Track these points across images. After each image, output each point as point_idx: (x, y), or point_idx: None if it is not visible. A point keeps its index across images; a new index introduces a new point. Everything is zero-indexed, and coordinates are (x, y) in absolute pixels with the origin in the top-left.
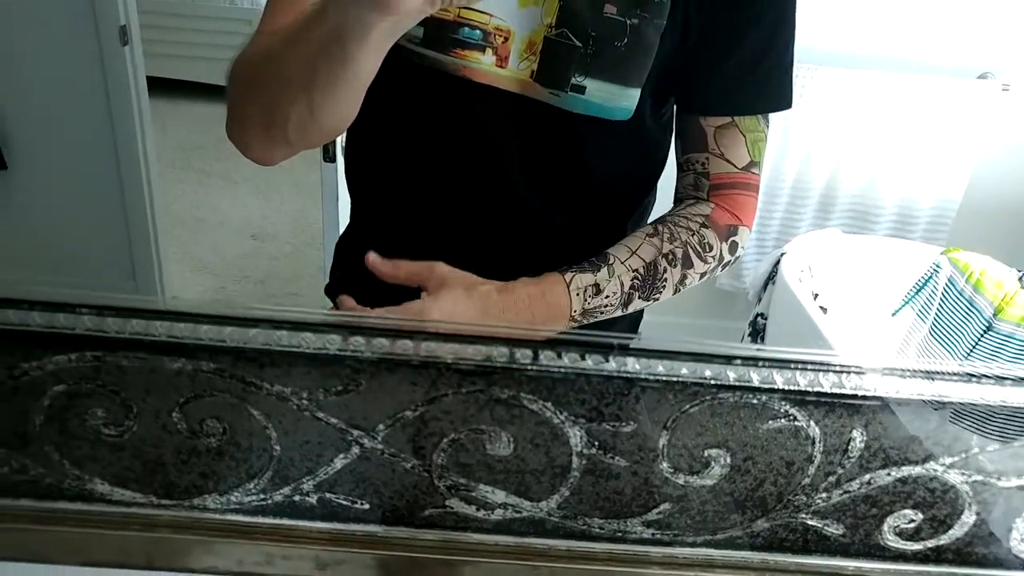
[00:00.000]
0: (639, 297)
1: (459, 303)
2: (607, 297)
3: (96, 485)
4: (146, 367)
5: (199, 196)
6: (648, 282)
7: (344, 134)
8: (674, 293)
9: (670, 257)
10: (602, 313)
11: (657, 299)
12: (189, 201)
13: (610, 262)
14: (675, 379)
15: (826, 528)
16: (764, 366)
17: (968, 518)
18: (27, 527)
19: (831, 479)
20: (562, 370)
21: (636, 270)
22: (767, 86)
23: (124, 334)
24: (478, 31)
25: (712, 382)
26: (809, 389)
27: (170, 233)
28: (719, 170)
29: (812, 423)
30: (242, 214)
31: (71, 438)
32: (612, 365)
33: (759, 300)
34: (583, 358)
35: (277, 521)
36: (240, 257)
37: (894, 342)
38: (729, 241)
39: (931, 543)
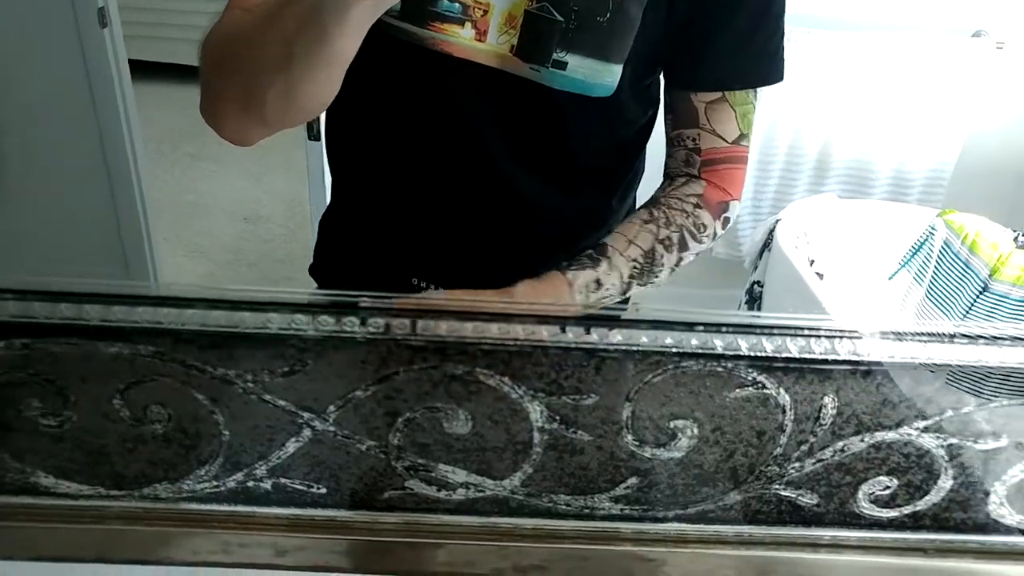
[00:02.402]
0: (637, 283)
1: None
2: (607, 289)
3: (40, 478)
4: (80, 353)
5: (188, 180)
6: (646, 269)
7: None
8: (670, 276)
9: (667, 243)
10: (602, 303)
11: (654, 283)
12: (178, 185)
13: (609, 255)
14: (635, 348)
15: (800, 498)
16: (727, 332)
17: (944, 483)
18: None
19: (803, 448)
20: (518, 343)
21: (635, 259)
22: (758, 60)
23: (53, 319)
24: (457, 4)
25: (674, 350)
26: (776, 355)
27: (160, 218)
28: (710, 145)
29: (782, 390)
30: (232, 197)
31: (8, 430)
32: (569, 336)
33: (755, 268)
34: (539, 330)
35: (232, 508)
36: (232, 240)
37: (890, 305)
38: (722, 218)
39: (907, 509)
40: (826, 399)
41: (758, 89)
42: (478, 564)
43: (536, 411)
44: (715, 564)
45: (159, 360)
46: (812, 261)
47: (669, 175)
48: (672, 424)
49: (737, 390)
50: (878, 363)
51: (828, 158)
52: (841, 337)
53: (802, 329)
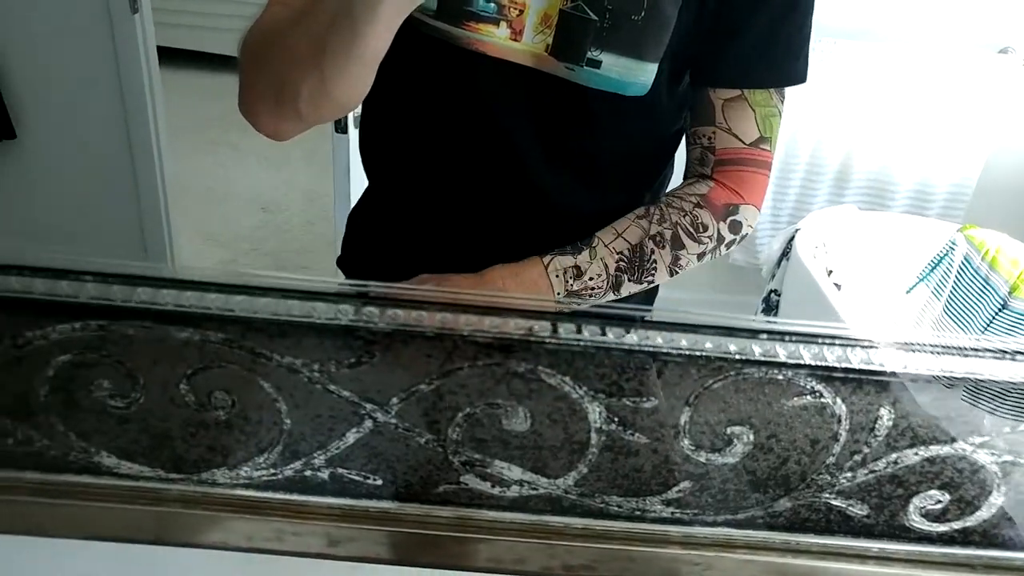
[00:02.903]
0: (629, 280)
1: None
2: (591, 279)
3: (103, 458)
4: (152, 337)
5: (210, 167)
6: (635, 264)
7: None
8: (671, 275)
9: (658, 239)
10: (590, 295)
11: (651, 282)
12: (200, 172)
13: (593, 244)
14: (699, 353)
15: (850, 508)
16: (791, 341)
17: (996, 499)
18: (31, 499)
19: (856, 458)
20: (582, 343)
21: (621, 252)
22: (780, 60)
23: (130, 302)
24: (492, 3)
25: (737, 356)
26: (837, 365)
27: (180, 204)
28: (725, 145)
29: (839, 400)
30: (253, 186)
31: (77, 409)
32: (634, 338)
33: (773, 276)
34: (604, 332)
35: (288, 496)
36: (251, 229)
37: (908, 319)
38: (728, 220)
39: (957, 524)
40: (882, 411)
41: (783, 92)
42: (527, 562)
43: (595, 412)
44: (760, 570)
45: (227, 347)
46: (830, 272)
47: (686, 174)
48: (729, 430)
49: (795, 398)
50: (937, 378)
51: (849, 169)
52: (901, 348)
53: (861, 341)
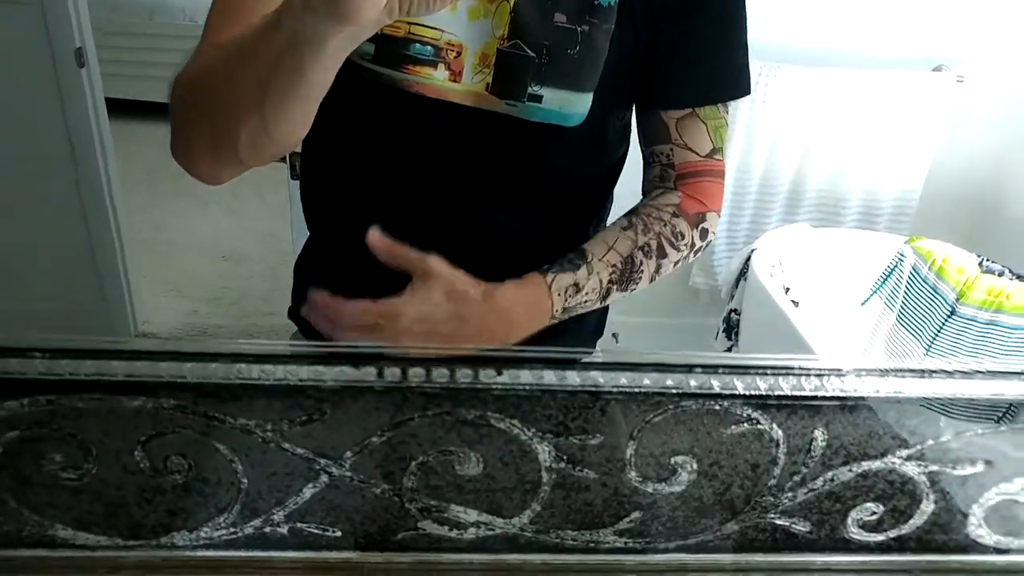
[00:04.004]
0: (617, 289)
1: (437, 307)
2: (587, 294)
3: (57, 531)
4: (104, 408)
5: (167, 217)
6: (626, 275)
7: (299, 151)
8: (650, 282)
9: (646, 249)
10: (582, 308)
11: (634, 289)
12: (157, 223)
13: (588, 259)
14: (638, 390)
15: (793, 526)
16: (724, 373)
17: (927, 507)
18: None
19: (796, 478)
20: (527, 387)
21: (614, 265)
22: (724, 74)
23: (79, 376)
24: (429, 47)
25: (674, 391)
26: (770, 393)
27: (139, 256)
28: (684, 160)
29: (775, 425)
30: (212, 234)
31: (28, 484)
32: (576, 379)
33: (732, 297)
34: (545, 374)
35: (249, 554)
36: (213, 278)
37: (863, 331)
38: (699, 228)
39: (893, 533)
40: (816, 432)
41: (727, 104)
42: None
43: (545, 451)
44: None
45: (181, 412)
46: (787, 289)
47: (645, 191)
48: (673, 460)
49: (733, 426)
50: (862, 399)
51: (801, 188)
52: (829, 375)
53: (793, 368)
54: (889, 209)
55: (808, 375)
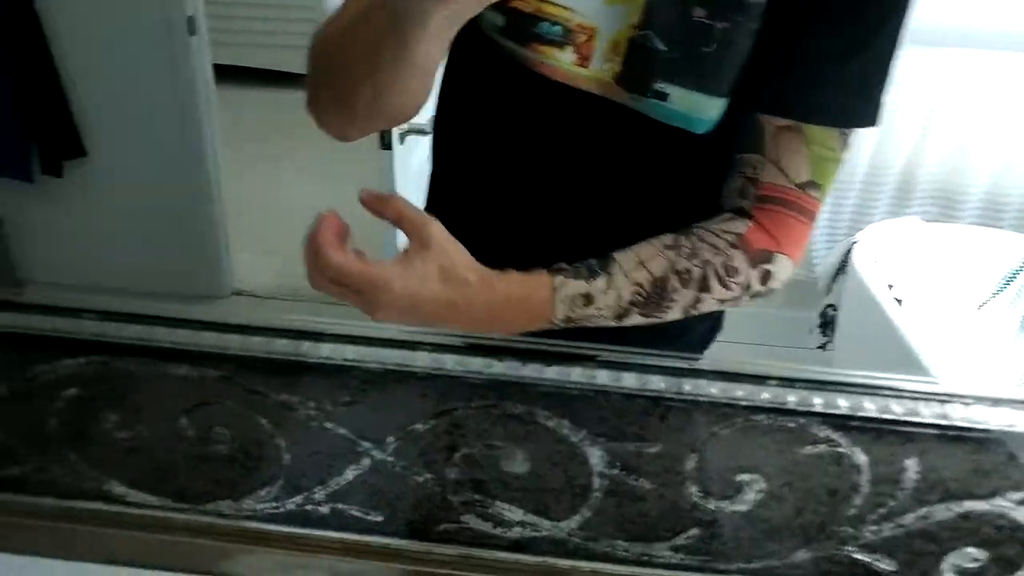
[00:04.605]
0: (639, 313)
1: (428, 282)
2: (599, 308)
3: (113, 487)
4: (152, 373)
5: (266, 182)
6: (653, 299)
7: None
8: (684, 315)
9: (684, 276)
10: (591, 322)
11: (660, 318)
12: (257, 187)
13: (611, 270)
14: (703, 399)
15: (876, 563)
16: (801, 387)
17: None
18: (50, 524)
19: (881, 511)
20: (578, 386)
21: (640, 284)
22: (846, 97)
23: (126, 339)
24: (559, 27)
25: (744, 403)
26: (852, 413)
27: (238, 218)
28: (770, 179)
29: (857, 449)
30: (308, 200)
31: (87, 440)
32: (633, 382)
33: (829, 290)
34: (597, 375)
35: (290, 529)
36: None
37: (978, 337)
38: (760, 268)
39: None
40: (907, 462)
41: (847, 139)
42: None
43: (596, 456)
44: None
45: (224, 384)
46: (891, 286)
47: (722, 205)
48: (738, 477)
49: (808, 447)
50: (969, 429)
51: (913, 178)
52: (928, 399)
53: (880, 388)
54: (1017, 205)
55: (900, 397)
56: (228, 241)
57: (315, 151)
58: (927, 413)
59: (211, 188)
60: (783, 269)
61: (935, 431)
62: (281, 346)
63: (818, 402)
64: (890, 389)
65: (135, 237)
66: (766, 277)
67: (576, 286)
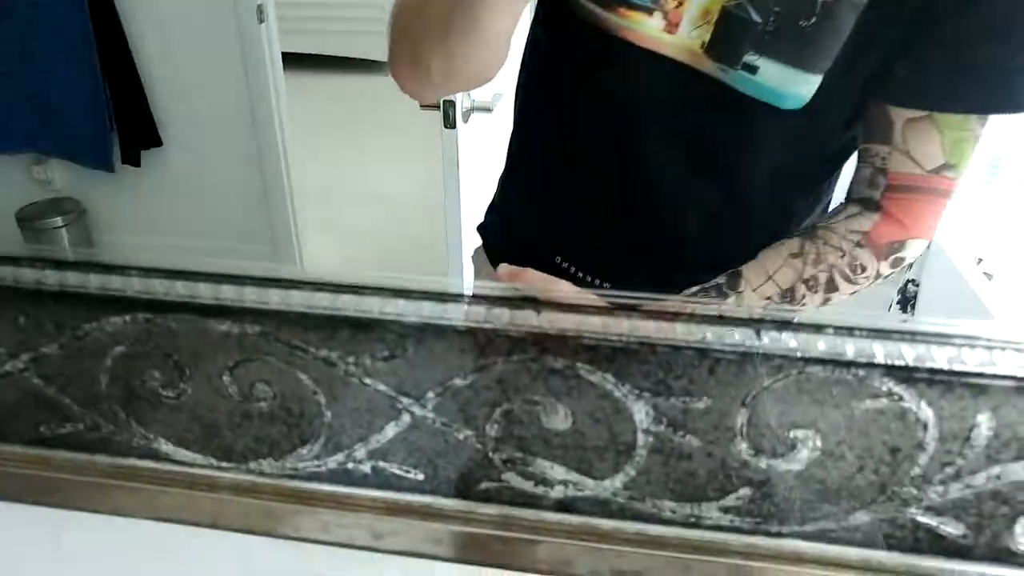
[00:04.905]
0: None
1: None
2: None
3: (161, 445)
4: (195, 329)
5: (335, 166)
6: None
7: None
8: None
9: (811, 283)
10: None
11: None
12: (325, 172)
13: (740, 288)
14: (755, 349)
15: (942, 526)
16: (860, 336)
17: None
18: (103, 481)
19: (948, 471)
20: (622, 337)
21: (769, 298)
22: (982, 82)
23: (171, 296)
24: None
25: (798, 354)
26: (918, 365)
27: (306, 201)
28: (901, 169)
29: (923, 404)
30: (374, 183)
31: (135, 398)
32: (678, 333)
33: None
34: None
35: (332, 488)
36: (371, 223)
37: None
38: (891, 259)
39: None
40: (979, 417)
41: (985, 116)
42: (574, 564)
43: (641, 412)
44: None
45: (264, 339)
46: (980, 260)
47: (849, 195)
48: (792, 434)
49: (868, 401)
50: None
51: (1003, 147)
52: (1004, 348)
53: (951, 337)
54: None
55: (973, 346)
56: (298, 226)
57: (381, 134)
58: (1004, 364)
59: (281, 174)
60: (914, 251)
61: (1012, 383)
62: (320, 300)
63: (880, 352)
64: (963, 337)
65: (208, 224)
66: (897, 262)
67: (707, 311)
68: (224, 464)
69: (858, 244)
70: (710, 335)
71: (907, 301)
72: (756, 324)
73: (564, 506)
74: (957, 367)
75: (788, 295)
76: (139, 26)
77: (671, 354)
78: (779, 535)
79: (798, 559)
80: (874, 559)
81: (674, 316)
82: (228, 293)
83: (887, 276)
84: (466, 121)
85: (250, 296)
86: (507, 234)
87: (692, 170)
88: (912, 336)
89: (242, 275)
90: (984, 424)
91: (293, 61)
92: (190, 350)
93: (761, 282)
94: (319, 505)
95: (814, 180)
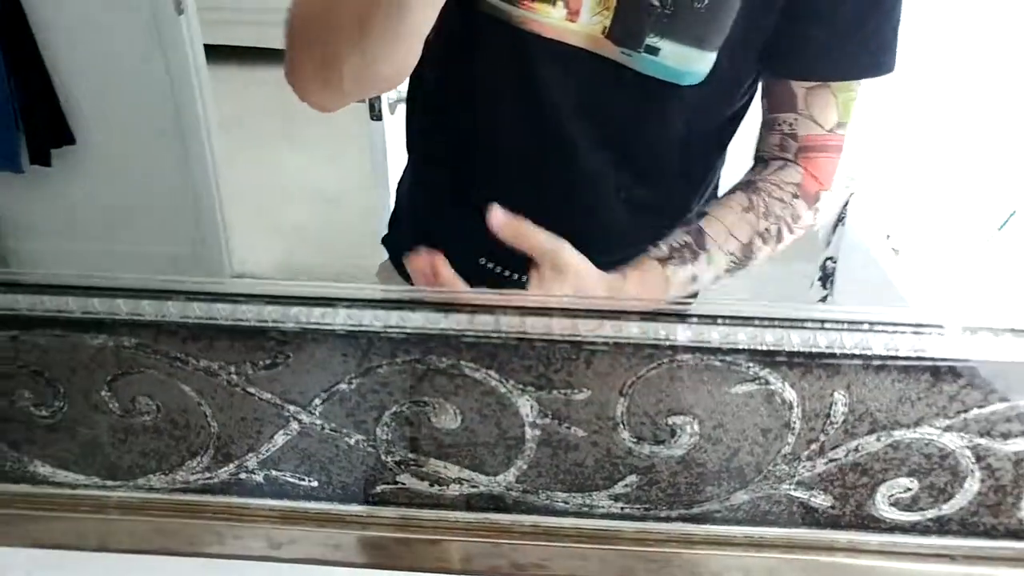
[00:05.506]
0: (727, 276)
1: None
2: (698, 284)
3: (37, 467)
4: (67, 345)
5: (261, 161)
6: (741, 264)
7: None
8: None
9: (766, 235)
10: (692, 297)
11: (735, 274)
12: (251, 165)
13: (708, 248)
14: (625, 340)
15: (812, 499)
16: (724, 324)
17: (971, 485)
18: None
19: (814, 447)
20: (501, 335)
21: (733, 253)
22: (867, 50)
23: (36, 311)
24: None
25: (667, 343)
26: (778, 348)
27: (234, 198)
28: (807, 132)
29: (787, 386)
30: (303, 176)
31: (4, 420)
32: (554, 328)
33: (828, 243)
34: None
35: (226, 499)
36: (305, 220)
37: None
38: (815, 208)
39: (931, 513)
40: (836, 395)
41: None
42: (475, 561)
43: (526, 406)
44: (722, 566)
45: (142, 352)
46: (888, 236)
47: (762, 158)
48: (671, 420)
49: (738, 385)
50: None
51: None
52: (850, 330)
53: (803, 321)
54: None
55: (823, 329)
56: (226, 223)
57: (308, 127)
58: (849, 343)
59: (206, 170)
60: (828, 202)
61: (859, 361)
62: (196, 310)
63: (743, 338)
64: (812, 321)
65: (130, 224)
66: (817, 213)
67: (684, 271)
68: (110, 483)
69: (795, 196)
70: (581, 328)
71: (827, 277)
72: (624, 316)
73: (461, 504)
74: (810, 348)
75: (747, 249)
76: (46, 16)
77: (548, 347)
78: (668, 519)
79: (687, 541)
80: (756, 535)
81: (546, 311)
82: (99, 306)
83: (809, 226)
84: (392, 113)
85: (124, 308)
86: (423, 242)
87: (610, 151)
88: (769, 322)
89: (113, 287)
90: (840, 401)
91: (216, 53)
92: (64, 366)
93: (724, 239)
94: (213, 518)
95: (719, 142)
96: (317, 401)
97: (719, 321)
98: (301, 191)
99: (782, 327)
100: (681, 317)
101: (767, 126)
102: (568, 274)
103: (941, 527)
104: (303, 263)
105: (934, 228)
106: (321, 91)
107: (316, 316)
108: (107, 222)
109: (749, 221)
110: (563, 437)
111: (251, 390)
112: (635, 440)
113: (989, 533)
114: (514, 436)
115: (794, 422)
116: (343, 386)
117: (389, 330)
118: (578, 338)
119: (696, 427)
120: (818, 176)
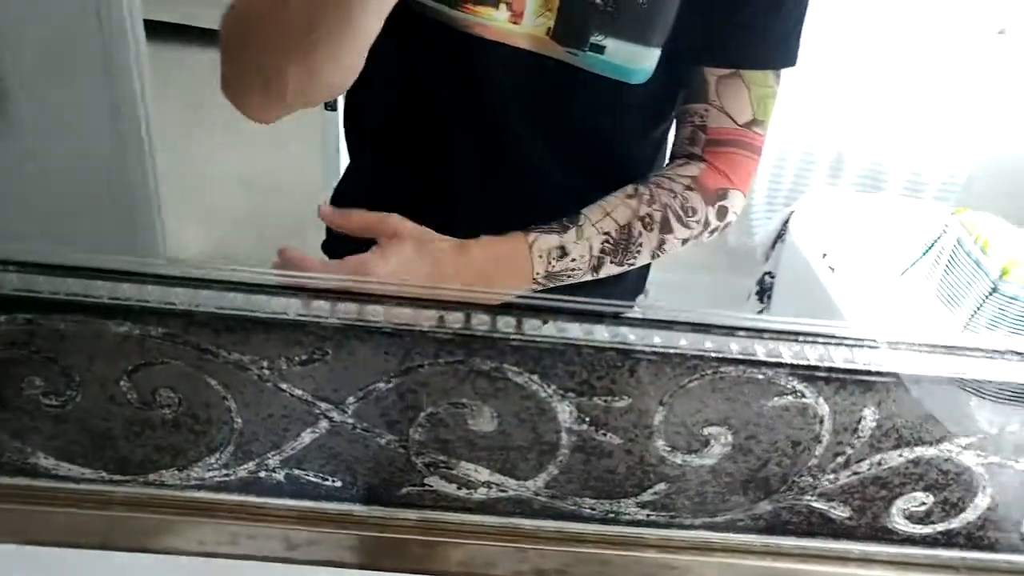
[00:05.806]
0: (611, 262)
1: (409, 261)
2: (573, 260)
3: (39, 459)
4: (87, 332)
5: (200, 146)
6: (621, 246)
7: None
8: (652, 259)
9: (646, 221)
10: (569, 276)
11: (632, 264)
12: (190, 151)
13: (580, 223)
14: (673, 351)
15: (832, 510)
16: (770, 338)
17: (982, 501)
18: None
19: (839, 459)
20: (549, 340)
21: (608, 233)
22: (775, 40)
23: (59, 295)
24: None
25: (713, 355)
26: (819, 364)
27: (171, 185)
28: (718, 124)
29: (821, 400)
30: (245, 165)
31: (8, 408)
32: (604, 335)
33: (767, 258)
34: (571, 327)
35: (242, 498)
36: (243, 209)
37: (901, 302)
38: (717, 206)
39: (941, 527)
40: (866, 411)
41: (779, 73)
42: (497, 566)
43: (565, 411)
44: (740, 574)
45: (170, 342)
46: (825, 254)
47: (673, 154)
48: (706, 431)
49: (776, 398)
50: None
51: (846, 151)
52: (891, 348)
53: (846, 339)
54: (938, 178)
55: (862, 347)
56: (160, 207)
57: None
58: (885, 362)
59: (142, 150)
60: (737, 203)
61: (892, 379)
62: (232, 300)
63: (787, 353)
64: (856, 339)
65: (57, 202)
66: (722, 212)
67: (549, 240)
68: (117, 477)
69: (688, 187)
70: (632, 336)
71: (764, 291)
72: (675, 326)
73: (486, 508)
74: (850, 365)
75: (625, 231)
76: None
77: (594, 355)
78: (691, 527)
79: (708, 548)
80: (773, 544)
81: (598, 317)
82: (129, 292)
83: (714, 228)
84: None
85: (154, 295)
86: (362, 248)
87: (559, 149)
88: (813, 338)
89: (144, 272)
90: (869, 416)
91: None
92: (81, 353)
93: (599, 218)
94: (227, 517)
95: (656, 144)
96: (351, 399)
97: (765, 335)
98: (243, 180)
99: (826, 344)
100: (730, 330)
101: (680, 120)
102: (403, 235)
103: (949, 540)
104: (238, 251)
105: (866, 252)
106: (261, 100)
107: (359, 312)
108: (35, 199)
109: (630, 205)
110: (598, 444)
111: (283, 386)
112: (669, 448)
113: (993, 547)
114: (549, 441)
115: (823, 435)
116: (381, 385)
117: (437, 330)
118: (627, 346)
119: (730, 437)
120: (727, 172)
